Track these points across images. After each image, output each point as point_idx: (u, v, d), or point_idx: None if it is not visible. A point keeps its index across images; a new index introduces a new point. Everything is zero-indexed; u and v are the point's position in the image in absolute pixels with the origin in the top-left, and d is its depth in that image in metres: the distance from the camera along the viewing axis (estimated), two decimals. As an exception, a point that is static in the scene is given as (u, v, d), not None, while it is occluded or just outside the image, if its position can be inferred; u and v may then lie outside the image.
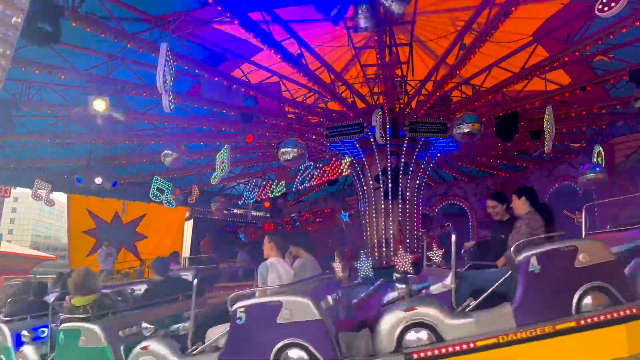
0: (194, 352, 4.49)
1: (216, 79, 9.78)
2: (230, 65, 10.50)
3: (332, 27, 9.55)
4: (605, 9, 6.07)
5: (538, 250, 4.34)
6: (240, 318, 4.39)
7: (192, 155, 13.76)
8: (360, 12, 6.55)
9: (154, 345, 4.67)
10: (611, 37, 8.04)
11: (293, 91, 11.92)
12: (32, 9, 5.12)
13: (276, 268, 5.14)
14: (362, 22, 6.67)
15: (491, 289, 4.38)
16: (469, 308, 4.32)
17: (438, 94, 11.33)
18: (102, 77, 9.10)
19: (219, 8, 7.59)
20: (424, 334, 4.23)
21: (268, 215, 20.65)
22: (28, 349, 5.52)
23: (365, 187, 12.49)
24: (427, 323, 4.24)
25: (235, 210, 20.13)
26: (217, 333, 4.61)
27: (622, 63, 9.21)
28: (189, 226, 20.04)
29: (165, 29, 8.14)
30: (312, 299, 4.33)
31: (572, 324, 4.02)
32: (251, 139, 11.76)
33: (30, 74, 8.73)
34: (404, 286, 4.57)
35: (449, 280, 4.46)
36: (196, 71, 9.51)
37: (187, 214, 19.93)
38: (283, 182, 15.26)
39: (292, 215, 19.23)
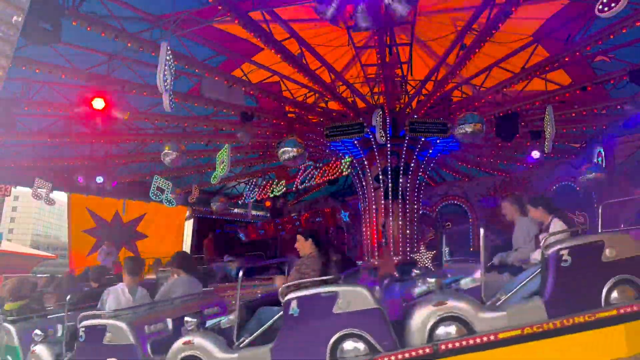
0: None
1: (216, 78, 9.78)
2: (231, 64, 10.50)
3: (332, 27, 9.56)
4: (606, 9, 6.06)
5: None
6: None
7: (192, 155, 13.77)
8: (359, 11, 6.52)
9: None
10: (612, 37, 8.03)
11: (293, 91, 11.92)
12: (33, 8, 5.12)
13: (117, 293, 5.48)
14: (362, 22, 6.65)
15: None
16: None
17: (438, 94, 11.33)
18: (103, 77, 9.11)
19: (220, 7, 7.59)
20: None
21: (268, 215, 20.67)
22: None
23: (365, 187, 12.50)
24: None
25: (235, 210, 20.14)
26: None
27: (622, 63, 9.21)
28: (189, 226, 20.04)
29: (165, 28, 8.14)
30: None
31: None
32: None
33: (31, 73, 8.73)
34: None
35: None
36: (196, 70, 9.51)
37: (187, 214, 19.94)
38: (283, 182, 15.28)
39: (292, 214, 19.24)
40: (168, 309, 5.36)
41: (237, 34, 9.25)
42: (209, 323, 4.88)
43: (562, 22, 8.87)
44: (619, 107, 10.56)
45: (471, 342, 4.08)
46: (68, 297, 5.43)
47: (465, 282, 4.57)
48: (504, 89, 10.78)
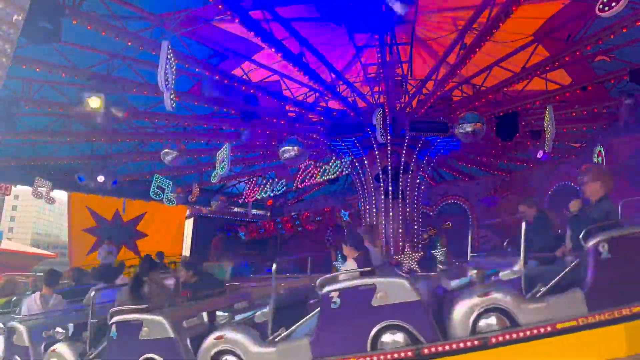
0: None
1: (217, 77, 9.79)
2: (231, 63, 10.51)
3: (332, 26, 9.56)
4: (606, 8, 6.07)
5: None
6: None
7: (192, 154, 13.77)
8: None
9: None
10: (612, 37, 8.03)
11: (294, 90, 11.93)
12: (33, 7, 5.12)
13: (30, 301, 6.03)
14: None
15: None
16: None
17: (439, 93, 11.33)
18: (103, 76, 9.12)
19: (220, 7, 7.59)
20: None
21: (268, 214, 20.69)
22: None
23: (365, 186, 12.50)
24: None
25: (235, 209, 20.15)
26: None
27: (622, 63, 9.21)
28: (189, 225, 20.06)
29: (166, 27, 8.14)
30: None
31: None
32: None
33: (31, 72, 8.74)
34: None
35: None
36: (197, 70, 9.52)
37: (188, 213, 19.95)
38: (283, 181, 15.28)
39: (292, 214, 19.25)
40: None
41: (238, 33, 9.25)
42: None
43: (562, 21, 8.87)
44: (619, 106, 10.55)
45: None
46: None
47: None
48: (505, 89, 10.78)
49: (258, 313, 4.64)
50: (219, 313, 4.73)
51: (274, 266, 4.76)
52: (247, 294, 6.28)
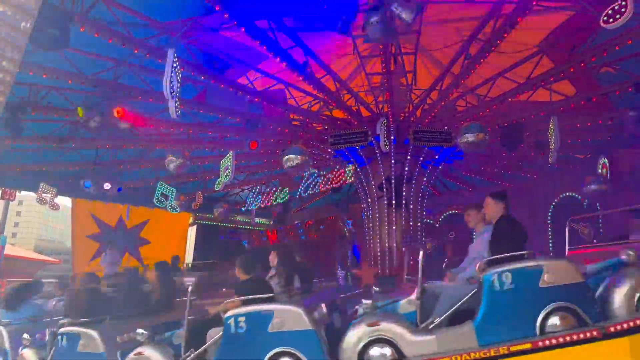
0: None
1: (222, 85, 9.83)
2: (236, 72, 10.55)
3: (337, 36, 9.60)
4: (611, 20, 6.08)
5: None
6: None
7: (196, 161, 13.80)
8: (371, 22, 6.47)
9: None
10: (617, 48, 8.04)
11: (298, 99, 11.96)
12: (42, 14, 5.16)
13: None
14: (372, 33, 6.62)
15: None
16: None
17: (443, 103, 11.35)
18: (110, 82, 9.17)
19: (226, 16, 7.64)
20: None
21: (271, 222, 20.69)
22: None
23: (368, 196, 12.49)
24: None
25: (238, 217, 20.16)
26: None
27: (627, 75, 9.21)
28: (192, 232, 20.06)
29: (172, 35, 8.20)
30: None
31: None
32: (255, 146, 11.79)
33: (38, 78, 8.80)
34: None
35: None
36: (202, 78, 9.56)
37: (191, 220, 19.96)
38: (287, 189, 15.29)
39: (296, 222, 19.24)
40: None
41: (243, 42, 9.30)
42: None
43: (567, 33, 8.89)
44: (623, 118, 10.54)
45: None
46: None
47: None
48: (509, 99, 10.79)
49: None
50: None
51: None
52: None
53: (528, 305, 4.19)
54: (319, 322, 4.47)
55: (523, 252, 4.47)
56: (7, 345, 5.65)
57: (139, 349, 4.70)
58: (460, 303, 4.40)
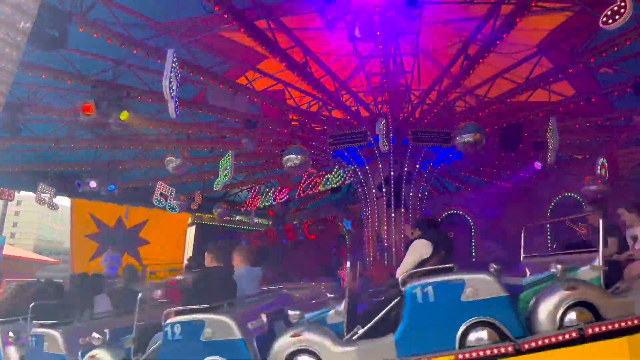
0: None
1: (221, 85, 9.83)
2: (236, 72, 10.56)
3: (337, 36, 9.60)
4: (610, 21, 6.08)
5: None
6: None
7: (196, 162, 13.80)
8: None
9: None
10: (615, 49, 8.05)
11: (297, 99, 11.97)
12: (40, 14, 5.16)
13: None
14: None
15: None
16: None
17: (442, 103, 11.35)
18: (109, 83, 9.17)
19: (225, 15, 7.64)
20: None
21: (270, 222, 20.68)
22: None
23: (367, 196, 12.49)
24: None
25: (237, 217, 20.15)
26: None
27: (626, 75, 9.22)
28: (191, 232, 20.05)
29: (171, 35, 8.20)
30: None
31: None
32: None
33: (37, 79, 8.80)
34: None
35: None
36: (202, 78, 9.56)
37: (190, 220, 19.95)
38: (286, 190, 15.29)
39: (295, 222, 19.24)
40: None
41: (243, 42, 9.30)
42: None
43: (566, 33, 8.90)
44: (622, 118, 10.56)
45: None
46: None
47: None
48: (508, 100, 10.80)
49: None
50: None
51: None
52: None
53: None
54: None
55: (448, 265, 4.55)
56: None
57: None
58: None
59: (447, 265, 4.57)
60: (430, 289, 4.32)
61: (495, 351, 3.99)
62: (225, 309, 4.69)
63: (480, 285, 4.24)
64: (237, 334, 4.40)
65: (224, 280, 5.05)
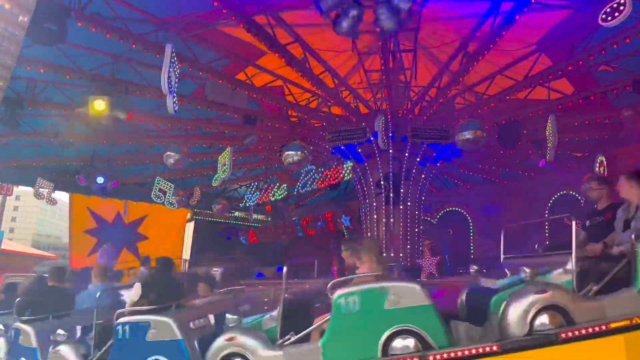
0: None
1: (220, 81, 9.81)
2: (235, 68, 10.53)
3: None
4: (609, 18, 6.09)
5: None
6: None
7: (194, 157, 13.79)
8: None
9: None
10: (615, 47, 8.04)
11: (297, 95, 11.95)
12: (39, 8, 5.15)
13: None
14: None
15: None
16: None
17: (441, 100, 11.34)
18: (107, 78, 9.15)
19: (225, 11, 7.63)
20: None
21: (269, 218, 20.68)
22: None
23: (366, 192, 12.50)
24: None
25: (236, 213, 20.14)
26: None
27: (625, 73, 9.21)
28: (190, 228, 20.04)
29: (170, 30, 8.18)
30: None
31: None
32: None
33: (35, 73, 8.78)
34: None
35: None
36: (200, 73, 9.54)
37: (189, 216, 19.93)
38: (285, 186, 15.27)
39: (293, 218, 19.23)
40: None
41: (242, 38, 9.28)
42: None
43: (565, 31, 8.88)
44: (621, 117, 10.55)
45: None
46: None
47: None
48: (507, 97, 10.79)
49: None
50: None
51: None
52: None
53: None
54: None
55: (374, 273, 4.60)
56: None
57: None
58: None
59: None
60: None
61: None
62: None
63: (404, 293, 4.24)
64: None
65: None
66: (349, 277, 4.75)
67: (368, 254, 4.83)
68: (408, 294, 4.24)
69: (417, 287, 4.30)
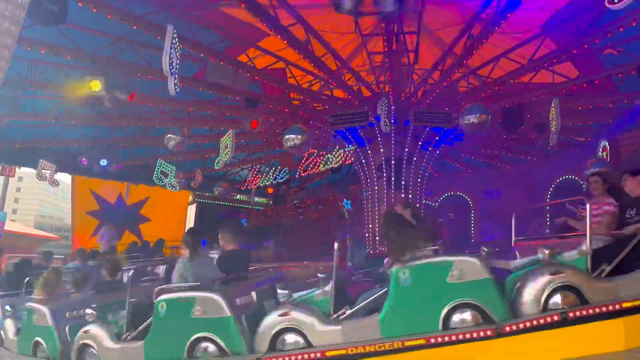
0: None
1: (222, 63, 9.74)
2: (236, 49, 10.46)
3: (339, 14, 9.48)
4: (615, 1, 5.99)
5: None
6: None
7: (196, 140, 13.77)
8: None
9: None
10: (621, 30, 7.95)
11: (299, 77, 11.88)
12: (39, -12, 5.10)
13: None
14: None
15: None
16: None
17: (445, 83, 11.26)
18: (108, 59, 9.09)
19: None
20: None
21: (271, 201, 20.74)
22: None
23: (368, 176, 12.49)
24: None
25: (238, 196, 20.19)
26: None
27: (631, 57, 9.12)
28: (191, 210, 20.11)
29: (172, 11, 8.10)
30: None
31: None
32: (255, 125, 11.74)
33: (36, 54, 8.72)
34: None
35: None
36: (202, 55, 9.48)
37: (190, 198, 19.99)
38: (286, 169, 15.29)
39: (295, 202, 19.28)
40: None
41: (243, 19, 9.19)
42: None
43: (571, 14, 8.77)
44: (626, 101, 10.47)
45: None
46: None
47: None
48: (511, 80, 10.71)
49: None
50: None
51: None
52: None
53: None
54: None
55: (435, 247, 4.59)
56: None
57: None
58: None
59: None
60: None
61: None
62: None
63: (467, 267, 4.25)
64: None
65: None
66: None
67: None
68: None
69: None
